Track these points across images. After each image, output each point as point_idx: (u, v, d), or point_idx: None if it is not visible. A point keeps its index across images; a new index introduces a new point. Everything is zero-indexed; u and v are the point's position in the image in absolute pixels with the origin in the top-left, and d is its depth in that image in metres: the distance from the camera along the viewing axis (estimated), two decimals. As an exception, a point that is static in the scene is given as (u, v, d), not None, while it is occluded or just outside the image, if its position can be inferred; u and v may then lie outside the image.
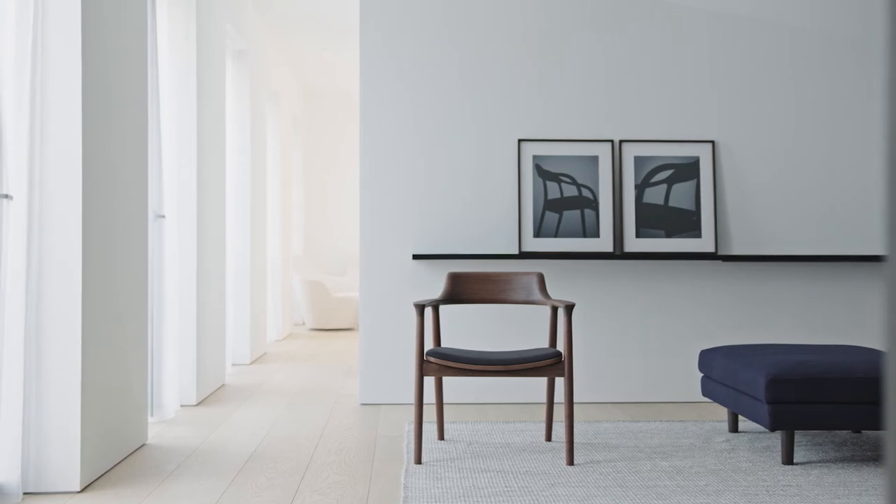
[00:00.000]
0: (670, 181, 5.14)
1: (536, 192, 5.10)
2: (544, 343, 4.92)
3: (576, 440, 4.01)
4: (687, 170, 5.15)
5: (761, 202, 5.21)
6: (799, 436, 4.04)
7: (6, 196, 3.02)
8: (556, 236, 5.08)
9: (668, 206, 5.12)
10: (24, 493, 3.14)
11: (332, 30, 8.35)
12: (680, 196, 5.13)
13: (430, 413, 4.71)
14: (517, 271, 4.12)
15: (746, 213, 5.20)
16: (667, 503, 3.00)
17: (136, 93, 3.91)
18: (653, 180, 5.14)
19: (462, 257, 5.00)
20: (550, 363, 3.58)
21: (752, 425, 4.32)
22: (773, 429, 3.51)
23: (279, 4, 7.56)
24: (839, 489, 3.20)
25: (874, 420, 3.52)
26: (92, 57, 3.35)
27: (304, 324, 10.59)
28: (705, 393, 4.24)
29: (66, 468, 3.19)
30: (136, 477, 3.40)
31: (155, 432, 4.23)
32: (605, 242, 5.08)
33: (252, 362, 6.96)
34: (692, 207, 5.12)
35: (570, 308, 3.63)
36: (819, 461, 3.62)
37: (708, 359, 4.16)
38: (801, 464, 3.57)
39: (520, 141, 5.13)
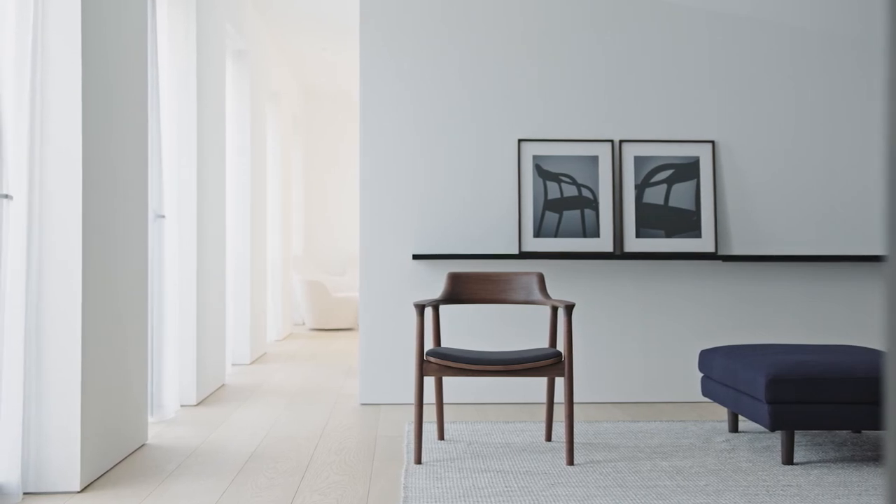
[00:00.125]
0: (670, 181, 5.14)
1: (536, 192, 5.10)
2: (544, 343, 4.92)
3: (576, 440, 4.01)
4: (687, 170, 5.15)
5: (761, 202, 5.21)
6: (799, 436, 4.04)
7: (6, 196, 3.02)
8: (556, 236, 5.08)
9: (668, 206, 5.12)
10: (24, 493, 3.14)
11: (332, 30, 8.35)
12: (680, 196, 5.13)
13: (430, 413, 4.71)
14: (517, 271, 4.12)
15: (746, 213, 5.20)
16: (667, 503, 3.00)
17: (136, 93, 3.91)
18: (653, 180, 5.14)
19: (462, 257, 5.00)
20: (550, 363, 3.58)
21: (752, 425, 4.32)
22: (773, 429, 3.51)
23: (279, 4, 7.56)
24: (839, 489, 3.20)
25: (874, 420, 3.52)
26: (92, 57, 3.35)
27: (304, 324, 10.59)
28: (705, 393, 4.24)
29: (66, 468, 3.19)
30: (136, 477, 3.41)
31: (155, 432, 4.23)
32: (605, 242, 5.08)
33: (252, 362, 6.96)
34: (692, 207, 5.12)
35: (570, 308, 3.63)
36: (819, 461, 3.62)
37: (708, 359, 4.16)
38: (801, 464, 3.57)
39: (520, 141, 5.13)
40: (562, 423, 4.37)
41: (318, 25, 8.24)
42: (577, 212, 5.09)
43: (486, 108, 5.17)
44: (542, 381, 5.02)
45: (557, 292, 5.12)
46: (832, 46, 5.27)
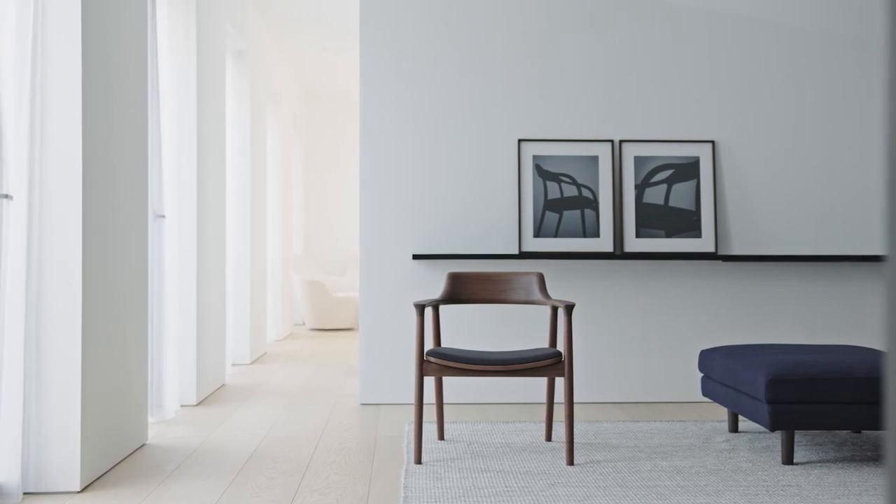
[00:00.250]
0: (670, 181, 5.14)
1: (536, 192, 5.10)
2: (544, 343, 4.92)
3: (576, 440, 4.01)
4: (687, 170, 5.15)
5: (761, 202, 5.21)
6: (799, 436, 4.04)
7: (6, 196, 3.02)
8: (556, 236, 5.08)
9: (668, 206, 5.12)
10: (24, 493, 3.14)
11: (332, 30, 8.35)
12: (680, 196, 5.13)
13: (430, 413, 4.71)
14: (517, 271, 4.12)
15: (746, 213, 5.20)
16: (667, 503, 3.00)
17: (136, 93, 3.91)
18: (653, 180, 5.14)
19: (462, 257, 5.00)
20: (550, 363, 3.58)
21: (752, 425, 4.32)
22: (773, 429, 3.51)
23: (279, 4, 7.56)
24: (839, 489, 3.20)
25: (874, 420, 3.52)
26: (92, 57, 3.35)
27: (304, 324, 10.59)
28: (705, 393, 4.24)
29: (66, 468, 3.19)
30: (136, 477, 3.41)
31: (155, 432, 4.23)
32: (605, 242, 5.08)
33: (252, 362, 6.96)
34: (692, 207, 5.12)
35: (570, 308, 3.63)
36: (819, 461, 3.62)
37: (708, 359, 4.16)
38: (801, 464, 3.57)
39: (520, 141, 5.13)
40: (562, 423, 4.37)
41: (318, 25, 8.24)
42: (577, 212, 5.10)
43: (486, 108, 5.17)
44: (542, 381, 5.02)
45: (557, 292, 5.12)
46: (832, 46, 5.27)
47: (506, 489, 3.18)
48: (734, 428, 4.18)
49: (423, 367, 3.61)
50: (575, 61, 5.20)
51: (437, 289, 5.05)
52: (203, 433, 4.23)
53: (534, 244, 5.07)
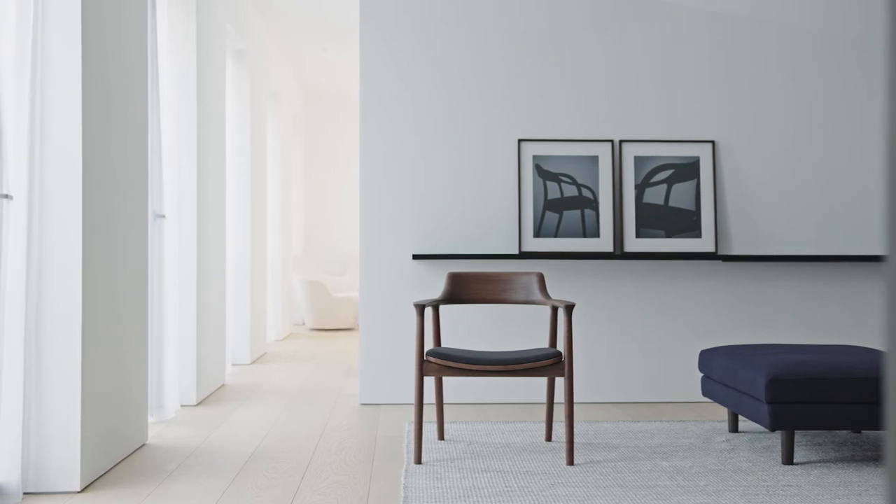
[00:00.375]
0: (670, 181, 5.14)
1: (536, 192, 5.10)
2: (544, 343, 4.92)
3: (576, 440, 4.01)
4: (687, 170, 5.15)
5: (761, 202, 5.21)
6: (799, 436, 4.04)
7: (6, 196, 3.02)
8: (556, 236, 5.08)
9: (668, 206, 5.12)
10: (24, 493, 3.14)
11: (332, 30, 8.35)
12: (680, 196, 5.13)
13: (430, 413, 4.71)
14: (517, 271, 4.12)
15: (746, 213, 5.20)
16: (667, 503, 3.00)
17: (136, 93, 3.91)
18: (653, 180, 5.14)
19: (462, 257, 5.00)
20: (550, 363, 3.58)
21: (752, 425, 4.32)
22: (773, 429, 3.51)
23: (279, 4, 7.56)
24: (839, 489, 3.20)
25: (874, 420, 3.52)
26: (92, 57, 3.35)
27: (304, 324, 10.59)
28: (705, 393, 4.24)
29: (66, 468, 3.19)
30: (136, 477, 3.41)
31: (155, 432, 4.23)
32: (605, 242, 5.08)
33: (252, 362, 6.96)
34: (692, 207, 5.12)
35: (570, 308, 3.63)
36: (819, 461, 3.62)
37: (708, 359, 4.16)
38: (801, 464, 3.57)
39: (520, 141, 5.13)
40: (562, 423, 4.37)
41: (318, 25, 8.24)
42: (577, 212, 5.10)
43: (486, 108, 5.17)
44: (542, 381, 5.02)
45: (557, 292, 5.12)
46: (832, 46, 5.27)
47: (506, 489, 3.18)
48: (734, 428, 4.18)
49: (424, 367, 3.61)
50: (575, 61, 5.20)
51: (437, 289, 5.05)
52: (203, 433, 4.23)
53: (534, 244, 5.07)
